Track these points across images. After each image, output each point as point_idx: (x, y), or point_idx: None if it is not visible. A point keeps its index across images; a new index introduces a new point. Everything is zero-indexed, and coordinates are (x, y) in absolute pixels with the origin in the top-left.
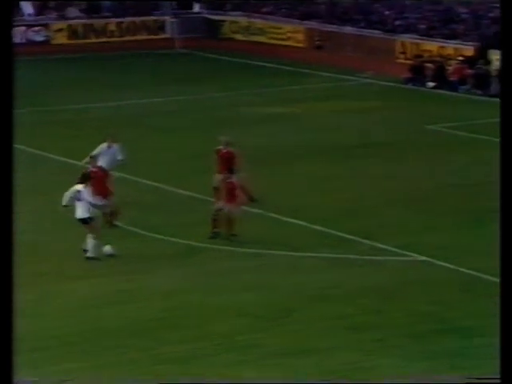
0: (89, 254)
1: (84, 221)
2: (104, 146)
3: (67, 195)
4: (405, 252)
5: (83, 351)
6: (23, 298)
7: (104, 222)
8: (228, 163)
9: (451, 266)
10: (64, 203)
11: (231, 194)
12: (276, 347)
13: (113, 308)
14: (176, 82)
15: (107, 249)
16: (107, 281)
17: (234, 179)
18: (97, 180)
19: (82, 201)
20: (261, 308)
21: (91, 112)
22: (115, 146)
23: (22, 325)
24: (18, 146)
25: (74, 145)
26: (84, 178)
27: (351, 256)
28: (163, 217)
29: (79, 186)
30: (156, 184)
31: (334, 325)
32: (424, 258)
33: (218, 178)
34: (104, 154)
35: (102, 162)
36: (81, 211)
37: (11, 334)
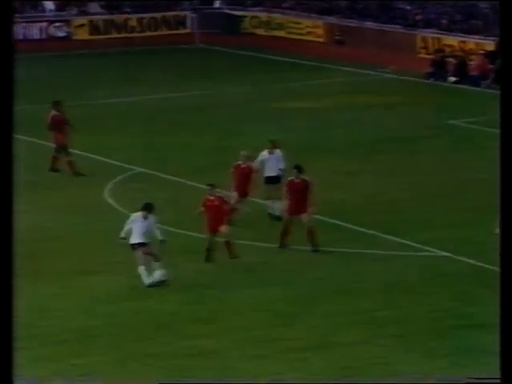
0: (146, 283)
1: (135, 246)
2: (264, 153)
3: (126, 226)
4: (426, 247)
5: (104, 345)
6: (46, 292)
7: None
8: (247, 179)
9: (472, 262)
10: (122, 235)
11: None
12: (296, 342)
13: (132, 302)
14: (196, 77)
15: (159, 274)
16: (127, 275)
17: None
18: (212, 209)
19: (139, 225)
20: (280, 303)
21: (112, 108)
22: (278, 153)
23: (45, 319)
24: (37, 141)
25: (94, 140)
26: (147, 208)
27: (372, 251)
28: (181, 211)
29: (138, 214)
30: (174, 178)
31: (354, 320)
32: (445, 253)
33: (235, 196)
34: (267, 162)
35: (267, 171)
36: (135, 236)
37: (11, 334)
